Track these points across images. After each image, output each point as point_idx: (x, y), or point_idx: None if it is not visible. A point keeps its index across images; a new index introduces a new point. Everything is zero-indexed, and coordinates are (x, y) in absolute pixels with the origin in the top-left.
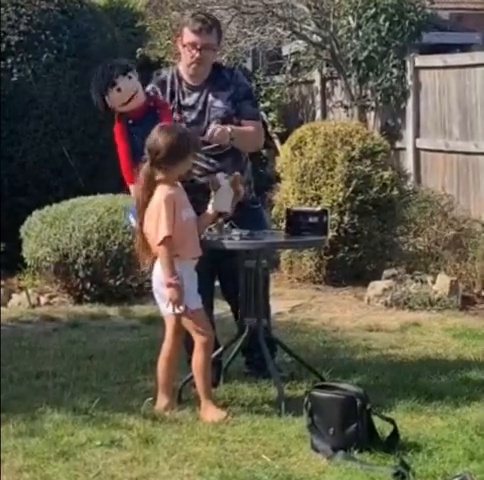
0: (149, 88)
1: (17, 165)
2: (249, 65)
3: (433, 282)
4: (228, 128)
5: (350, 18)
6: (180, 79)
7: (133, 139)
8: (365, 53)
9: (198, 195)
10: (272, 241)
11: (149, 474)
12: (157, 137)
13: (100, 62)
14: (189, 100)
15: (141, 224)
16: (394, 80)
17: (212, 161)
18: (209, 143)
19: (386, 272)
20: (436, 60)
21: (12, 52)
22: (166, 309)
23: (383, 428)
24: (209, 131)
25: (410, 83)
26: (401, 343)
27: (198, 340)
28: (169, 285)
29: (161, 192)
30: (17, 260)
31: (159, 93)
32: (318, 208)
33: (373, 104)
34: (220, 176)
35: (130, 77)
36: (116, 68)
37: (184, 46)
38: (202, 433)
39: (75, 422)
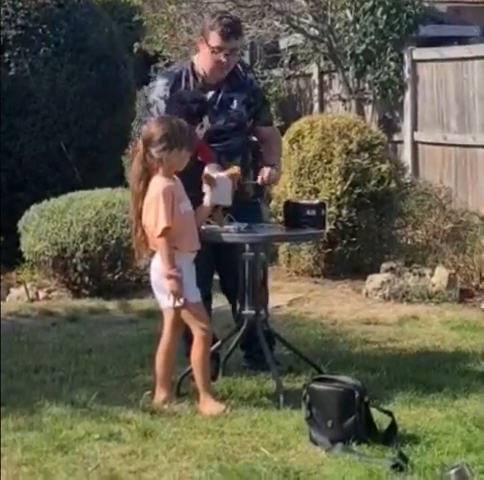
0: (162, 94)
1: (15, 160)
2: (247, 59)
3: (431, 275)
4: (274, 169)
5: (347, 11)
6: (195, 74)
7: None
8: (363, 46)
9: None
10: (270, 234)
11: (148, 467)
12: (151, 127)
13: (97, 56)
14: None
15: (139, 217)
16: (392, 73)
17: (222, 159)
18: (217, 141)
19: (384, 265)
20: (433, 53)
21: (9, 46)
22: (165, 302)
23: (381, 420)
24: (260, 176)
25: (408, 76)
26: (399, 336)
27: (197, 333)
28: (169, 277)
29: (158, 184)
30: (15, 255)
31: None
32: (316, 201)
33: (371, 97)
34: (214, 167)
35: None
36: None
37: (211, 50)
38: (201, 426)
39: (74, 416)
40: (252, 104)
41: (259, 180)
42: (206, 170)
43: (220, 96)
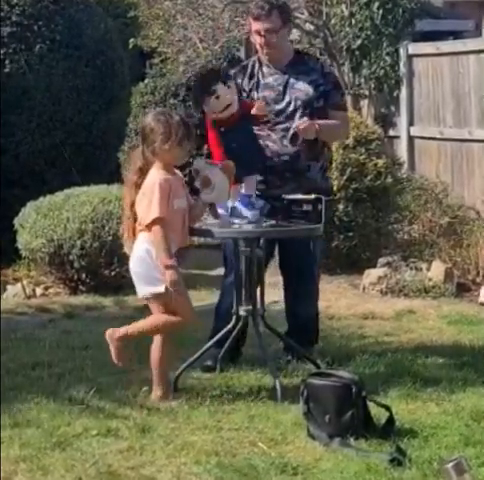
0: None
1: (10, 157)
2: (242, 54)
3: (428, 269)
4: (316, 124)
5: (343, 6)
6: (261, 63)
7: (226, 147)
8: (358, 41)
9: (270, 177)
10: (266, 230)
11: (146, 463)
12: (150, 121)
13: (93, 52)
14: (269, 80)
15: (132, 205)
16: (387, 68)
17: (285, 143)
18: (280, 122)
19: (381, 260)
20: (429, 48)
21: (4, 43)
22: (147, 291)
23: (379, 415)
24: (297, 123)
25: (403, 71)
26: (396, 330)
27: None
28: (169, 268)
29: (157, 174)
30: (12, 251)
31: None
32: (312, 196)
33: (367, 92)
34: (203, 162)
35: (229, 87)
36: (217, 76)
37: (253, 35)
38: (198, 422)
39: (71, 412)
40: (321, 85)
41: (294, 128)
42: (196, 165)
43: (285, 78)
